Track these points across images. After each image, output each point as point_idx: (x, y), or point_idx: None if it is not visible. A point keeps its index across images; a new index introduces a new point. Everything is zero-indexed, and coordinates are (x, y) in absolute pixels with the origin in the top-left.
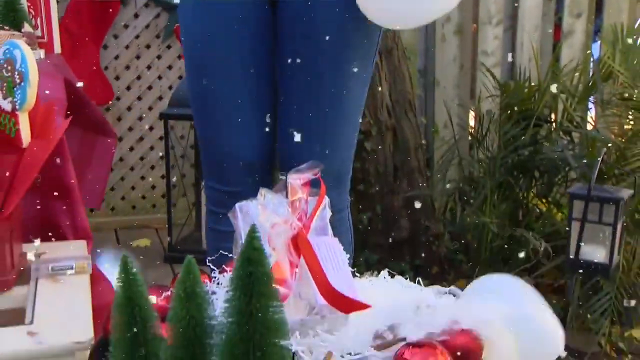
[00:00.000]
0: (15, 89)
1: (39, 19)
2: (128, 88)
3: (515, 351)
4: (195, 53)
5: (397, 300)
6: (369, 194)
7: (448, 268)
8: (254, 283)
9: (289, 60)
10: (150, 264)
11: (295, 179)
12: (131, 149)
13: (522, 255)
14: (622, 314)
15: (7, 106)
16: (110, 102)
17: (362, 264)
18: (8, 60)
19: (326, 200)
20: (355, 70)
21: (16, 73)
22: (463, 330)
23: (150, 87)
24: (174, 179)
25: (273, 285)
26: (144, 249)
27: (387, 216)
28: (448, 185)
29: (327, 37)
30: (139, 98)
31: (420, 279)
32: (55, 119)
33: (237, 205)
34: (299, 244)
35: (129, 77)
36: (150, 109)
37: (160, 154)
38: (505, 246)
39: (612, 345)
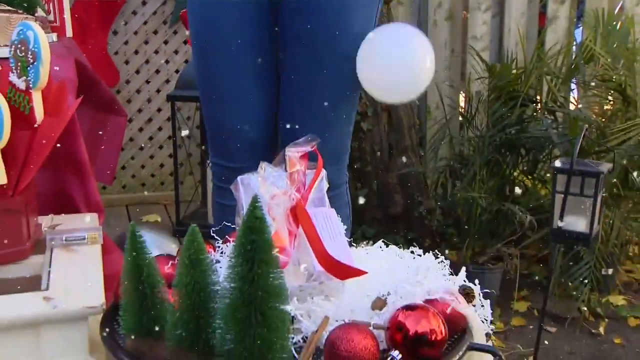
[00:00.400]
0: (28, 68)
1: (51, 4)
2: (137, 72)
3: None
4: (201, 37)
5: (391, 268)
6: (366, 172)
7: (439, 240)
8: (256, 250)
9: (289, 42)
10: None
11: (294, 152)
12: (140, 129)
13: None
14: (600, 281)
15: (21, 85)
16: (121, 85)
17: (359, 237)
18: (22, 40)
19: (323, 173)
20: (354, 49)
21: (29, 53)
22: (453, 295)
23: (158, 71)
24: (181, 158)
25: (274, 252)
26: (154, 224)
27: (382, 192)
28: (440, 163)
29: (326, 20)
30: (148, 81)
31: (413, 250)
32: (67, 97)
33: (238, 178)
34: (297, 214)
35: (138, 61)
36: (158, 91)
37: (168, 134)
38: (493, 219)
39: (590, 311)
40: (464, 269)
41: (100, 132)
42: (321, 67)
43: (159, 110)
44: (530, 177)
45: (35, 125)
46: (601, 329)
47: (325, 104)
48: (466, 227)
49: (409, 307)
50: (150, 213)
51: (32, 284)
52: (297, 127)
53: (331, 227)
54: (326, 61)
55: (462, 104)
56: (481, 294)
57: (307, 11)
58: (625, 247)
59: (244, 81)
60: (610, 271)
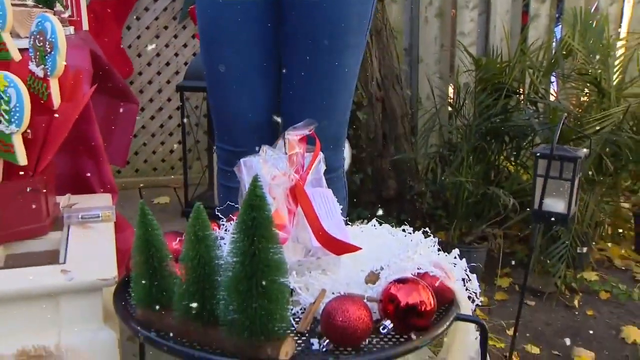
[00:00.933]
0: (46, 57)
1: (69, 0)
2: (149, 64)
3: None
4: (208, 33)
5: (384, 245)
6: (361, 158)
7: (429, 222)
8: (257, 227)
9: (291, 36)
10: (169, 218)
11: (293, 136)
12: (152, 117)
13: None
14: (575, 259)
15: (39, 72)
16: (133, 76)
17: (354, 219)
18: (40, 31)
19: (321, 155)
20: (350, 41)
21: (47, 43)
22: (440, 270)
23: (168, 63)
24: (190, 145)
25: (273, 229)
26: (164, 205)
27: (376, 177)
28: (430, 150)
29: (324, 16)
30: (159, 73)
31: (404, 228)
32: (82, 85)
33: (241, 160)
34: (296, 194)
35: (149, 54)
36: (168, 82)
37: (178, 122)
38: (479, 202)
39: (566, 286)
40: (456, 250)
41: (114, 118)
42: (320, 59)
43: (169, 99)
44: (513, 162)
45: (54, 110)
46: (575, 302)
47: (324, 93)
48: (454, 209)
49: (401, 281)
50: (161, 195)
51: (51, 257)
52: (297, 113)
53: (328, 206)
54: (324, 54)
55: (451, 95)
56: (468, 270)
57: (307, 7)
58: (599, 228)
59: (248, 72)
60: (584, 249)
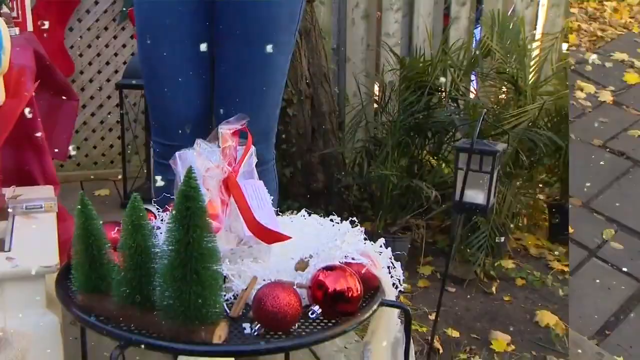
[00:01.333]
0: None
1: (14, 2)
2: (90, 63)
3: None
4: (144, 32)
5: (313, 234)
6: (291, 152)
7: (356, 213)
8: (191, 217)
9: (224, 34)
10: (110, 210)
11: (226, 129)
12: (93, 114)
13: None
14: (493, 248)
15: None
16: (75, 75)
17: (284, 210)
18: None
19: (252, 149)
20: (280, 40)
21: None
22: (366, 258)
23: (108, 63)
24: (128, 140)
25: (207, 218)
26: (104, 197)
27: (305, 170)
28: (357, 144)
29: (255, 14)
30: (99, 72)
31: (332, 218)
32: (26, 82)
33: (176, 153)
34: (229, 185)
35: (90, 54)
36: (108, 80)
37: (117, 118)
38: (403, 194)
39: (485, 274)
40: (382, 239)
41: (56, 115)
42: (251, 57)
43: (109, 97)
44: (435, 157)
45: None
46: (493, 289)
47: (255, 88)
48: (379, 201)
49: (329, 268)
50: (101, 188)
51: None
52: (229, 108)
53: (259, 197)
54: (255, 52)
55: (376, 92)
56: (393, 258)
57: (239, 6)
58: (516, 218)
59: (182, 69)
60: (502, 239)
